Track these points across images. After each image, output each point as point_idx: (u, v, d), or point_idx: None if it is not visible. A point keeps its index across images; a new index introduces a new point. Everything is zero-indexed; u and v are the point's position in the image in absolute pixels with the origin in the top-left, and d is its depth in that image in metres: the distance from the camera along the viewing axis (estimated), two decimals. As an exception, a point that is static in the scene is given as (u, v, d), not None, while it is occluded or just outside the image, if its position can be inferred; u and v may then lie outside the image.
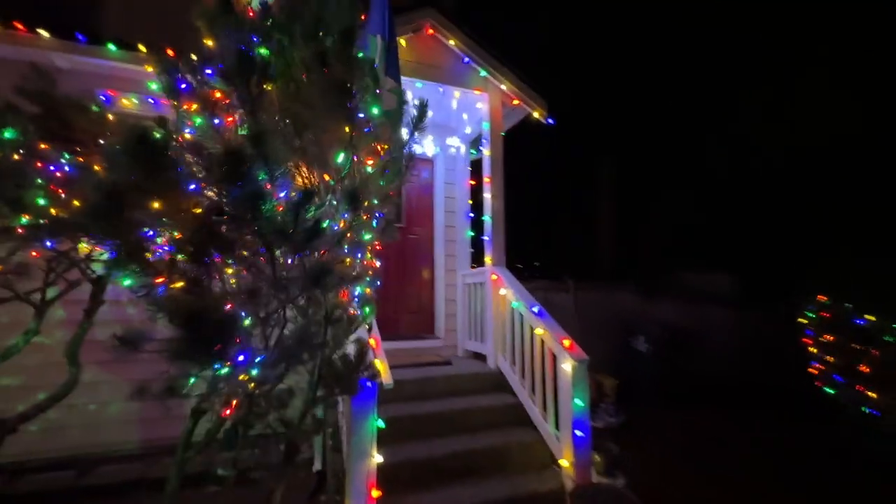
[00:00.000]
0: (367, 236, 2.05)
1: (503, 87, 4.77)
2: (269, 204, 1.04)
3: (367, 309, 1.98)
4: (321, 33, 1.42)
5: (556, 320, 3.77)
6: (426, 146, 5.63)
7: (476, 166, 5.67)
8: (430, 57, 4.59)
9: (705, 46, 11.77)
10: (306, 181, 1.37)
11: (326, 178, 1.42)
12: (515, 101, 4.86)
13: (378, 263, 2.64)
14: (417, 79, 4.52)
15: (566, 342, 3.38)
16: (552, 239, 12.64)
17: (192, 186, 1.04)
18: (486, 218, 4.80)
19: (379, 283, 3.16)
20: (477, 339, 4.90)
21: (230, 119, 1.28)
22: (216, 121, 1.26)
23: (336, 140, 1.40)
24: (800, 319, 6.34)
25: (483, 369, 4.47)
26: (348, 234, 1.59)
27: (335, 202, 1.44)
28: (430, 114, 5.09)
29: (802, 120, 9.70)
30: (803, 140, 9.71)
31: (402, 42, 4.41)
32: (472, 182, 5.85)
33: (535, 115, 4.94)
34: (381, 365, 2.93)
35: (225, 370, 1.49)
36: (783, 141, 10.10)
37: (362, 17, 1.81)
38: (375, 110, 2.06)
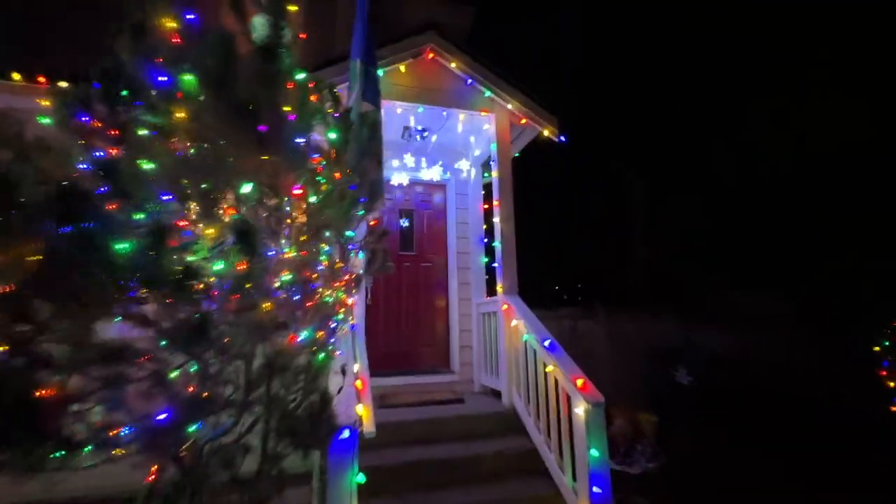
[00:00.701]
0: (320, 268, 1.85)
1: (509, 106, 4.58)
2: (120, 245, 0.87)
3: (322, 356, 1.76)
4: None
5: (576, 353, 3.39)
6: (436, 171, 5.48)
7: (490, 189, 5.46)
8: (432, 81, 4.49)
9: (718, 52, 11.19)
10: (193, 217, 1.20)
11: (229, 211, 1.25)
12: (523, 121, 4.65)
13: (352, 301, 2.45)
14: (419, 103, 4.43)
15: (579, 381, 2.99)
16: (578, 261, 12.04)
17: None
18: (497, 243, 4.53)
19: (354, 322, 2.95)
20: (492, 374, 4.55)
21: (114, 151, 1.15)
22: (97, 153, 1.13)
23: (245, 169, 1.23)
24: (874, 348, 5.51)
25: (497, 408, 4.10)
26: (282, 272, 1.40)
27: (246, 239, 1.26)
28: (433, 138, 5.01)
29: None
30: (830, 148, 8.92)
31: (402, 68, 4.35)
32: (486, 206, 5.63)
33: (546, 133, 4.70)
34: (364, 411, 2.69)
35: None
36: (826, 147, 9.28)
37: (302, 36, 1.66)
38: (332, 135, 1.90)
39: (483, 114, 4.62)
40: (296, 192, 1.52)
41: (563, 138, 4.71)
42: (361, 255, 2.83)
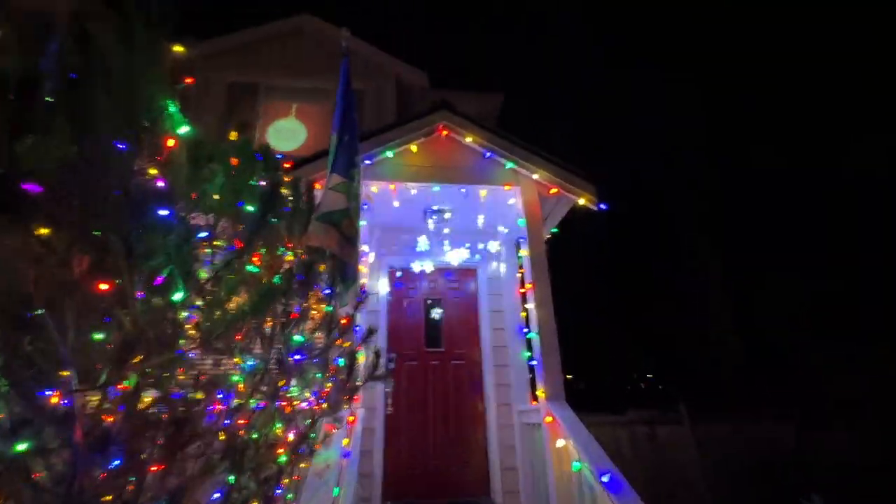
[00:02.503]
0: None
1: (535, 176, 4.07)
2: None
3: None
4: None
5: (656, 472, 2.37)
6: (462, 254, 4.93)
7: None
8: (447, 158, 4.15)
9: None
10: None
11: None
12: (553, 190, 4.08)
13: (352, 415, 1.76)
14: (434, 182, 4.05)
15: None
16: (649, 349, 10.29)
17: None
18: (533, 335, 3.72)
19: (347, 448, 2.18)
20: (543, 511, 3.43)
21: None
22: None
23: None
24: None
25: (550, 568, 2.96)
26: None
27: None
28: (447, 215, 4.54)
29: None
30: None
31: (414, 148, 4.08)
32: (524, 290, 4.89)
33: (582, 201, 4.07)
34: None
35: None
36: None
37: (187, 80, 1.25)
38: (251, 207, 1.40)
39: (507, 188, 4.14)
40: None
41: (603, 206, 4.04)
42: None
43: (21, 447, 0.76)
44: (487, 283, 4.95)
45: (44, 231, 0.83)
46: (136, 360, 0.98)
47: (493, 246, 4.91)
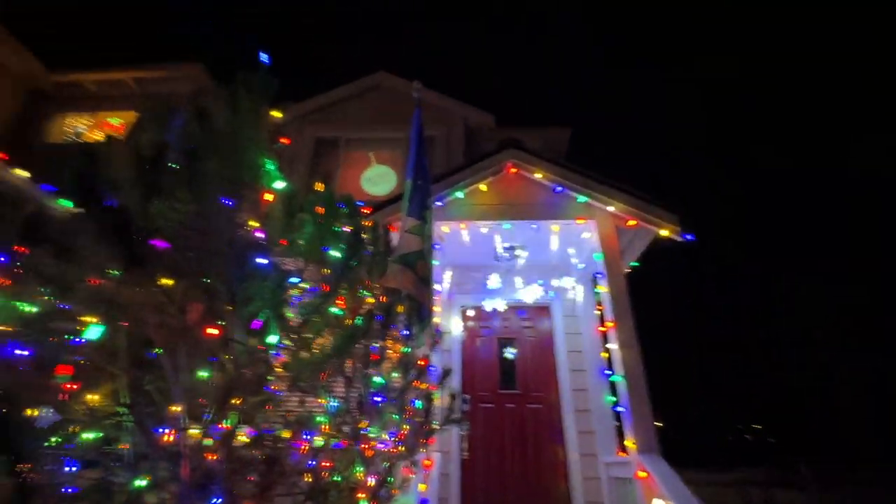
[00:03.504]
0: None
1: (611, 209, 3.91)
2: None
3: None
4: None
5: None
6: (536, 291, 4.79)
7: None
8: (517, 195, 4.15)
9: None
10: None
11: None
12: (631, 222, 3.88)
13: (428, 458, 1.73)
14: (505, 220, 4.05)
15: None
16: (758, 395, 8.92)
17: None
18: (618, 378, 3.45)
19: (424, 495, 2.11)
20: (640, 584, 3.03)
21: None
22: None
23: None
24: None
25: None
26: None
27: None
28: (523, 253, 4.47)
29: None
30: None
31: (483, 187, 4.14)
32: (603, 329, 4.60)
33: (664, 232, 3.81)
34: None
35: None
36: None
37: (284, 140, 1.40)
38: (336, 252, 1.49)
39: (580, 221, 4.01)
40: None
41: (689, 236, 3.75)
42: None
43: (142, 483, 0.83)
44: (563, 321, 4.74)
45: (166, 282, 0.94)
46: (236, 401, 1.05)
47: (568, 282, 4.72)
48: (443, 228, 4.12)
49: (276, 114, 1.47)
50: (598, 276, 3.87)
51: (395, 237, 2.74)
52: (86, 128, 6.99)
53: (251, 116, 1.19)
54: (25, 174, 3.70)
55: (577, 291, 4.76)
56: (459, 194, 4.08)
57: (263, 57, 1.46)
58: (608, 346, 3.64)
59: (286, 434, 1.46)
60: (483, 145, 7.54)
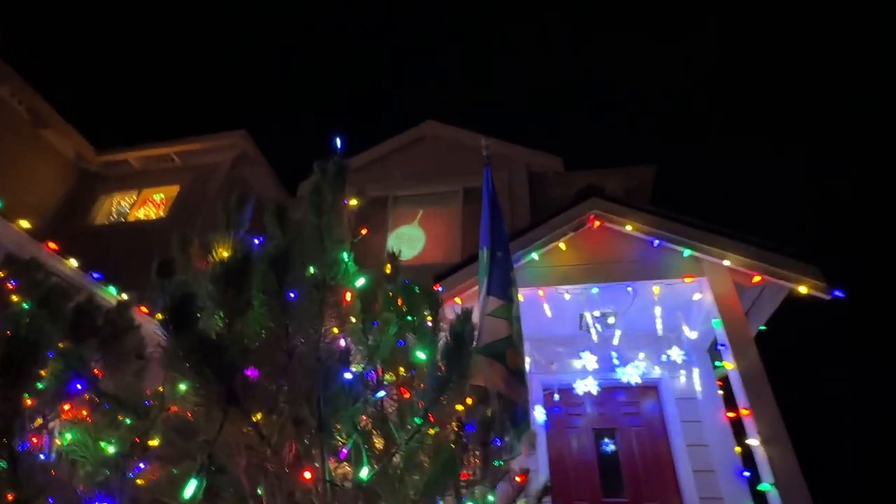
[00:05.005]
0: None
1: (727, 263, 3.69)
2: None
3: None
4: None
5: None
6: (638, 368, 4.50)
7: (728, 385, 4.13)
8: (605, 252, 4.05)
9: None
10: None
11: None
12: (756, 278, 3.62)
13: None
14: (592, 283, 3.95)
15: None
16: None
17: None
18: (767, 487, 3.06)
19: None
20: None
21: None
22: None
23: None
24: None
25: None
26: None
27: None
28: (611, 321, 4.27)
29: None
30: None
31: (562, 245, 4.09)
32: (732, 415, 4.19)
33: (803, 289, 3.52)
34: None
35: None
36: None
37: (363, 231, 1.46)
38: (422, 353, 1.49)
39: (688, 280, 3.81)
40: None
41: (838, 293, 3.42)
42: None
43: None
44: (676, 406, 4.38)
45: (258, 417, 0.97)
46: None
47: (677, 355, 4.40)
48: (517, 296, 4.07)
49: (354, 201, 1.55)
50: (721, 347, 3.58)
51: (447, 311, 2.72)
52: (129, 206, 7.83)
53: (336, 214, 1.26)
54: (74, 265, 4.13)
55: (691, 368, 4.42)
56: (534, 255, 4.05)
57: (337, 142, 1.57)
58: (748, 442, 3.27)
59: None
60: (550, 191, 7.58)
